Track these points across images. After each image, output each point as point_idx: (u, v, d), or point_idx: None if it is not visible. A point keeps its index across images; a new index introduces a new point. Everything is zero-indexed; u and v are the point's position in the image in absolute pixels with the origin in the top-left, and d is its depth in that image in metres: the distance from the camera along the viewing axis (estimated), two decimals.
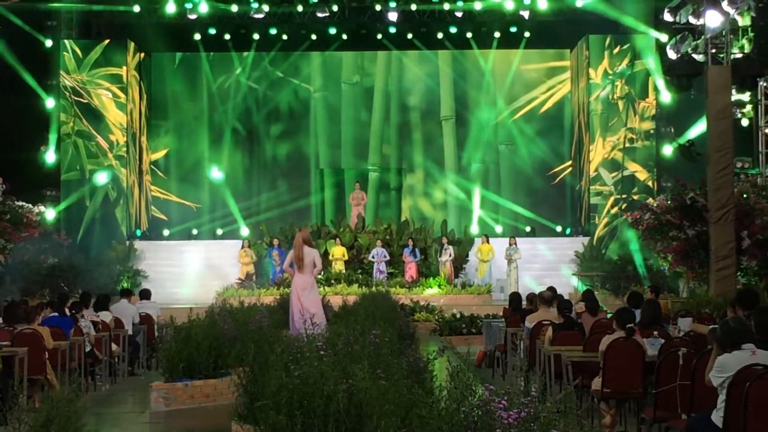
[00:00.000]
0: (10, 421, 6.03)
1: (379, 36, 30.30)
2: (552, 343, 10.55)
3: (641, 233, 22.63)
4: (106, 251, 26.94)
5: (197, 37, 30.04)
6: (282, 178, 30.94)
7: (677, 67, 20.76)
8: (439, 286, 25.02)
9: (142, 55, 29.95)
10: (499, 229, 29.31)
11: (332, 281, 24.90)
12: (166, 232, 29.68)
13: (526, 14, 28.20)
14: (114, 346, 14.01)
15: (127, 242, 27.65)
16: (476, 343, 17.01)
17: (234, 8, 28.02)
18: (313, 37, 30.26)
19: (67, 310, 13.11)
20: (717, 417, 6.70)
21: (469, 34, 30.16)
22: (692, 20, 19.77)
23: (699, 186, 20.14)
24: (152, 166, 30.70)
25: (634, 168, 27.83)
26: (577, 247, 27.38)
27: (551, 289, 12.99)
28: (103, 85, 28.15)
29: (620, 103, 27.95)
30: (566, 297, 15.42)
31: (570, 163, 30.39)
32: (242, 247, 26.75)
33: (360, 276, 25.50)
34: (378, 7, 28.49)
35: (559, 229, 29.49)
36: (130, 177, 28.45)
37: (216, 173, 30.45)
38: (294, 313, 14.11)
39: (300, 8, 28.42)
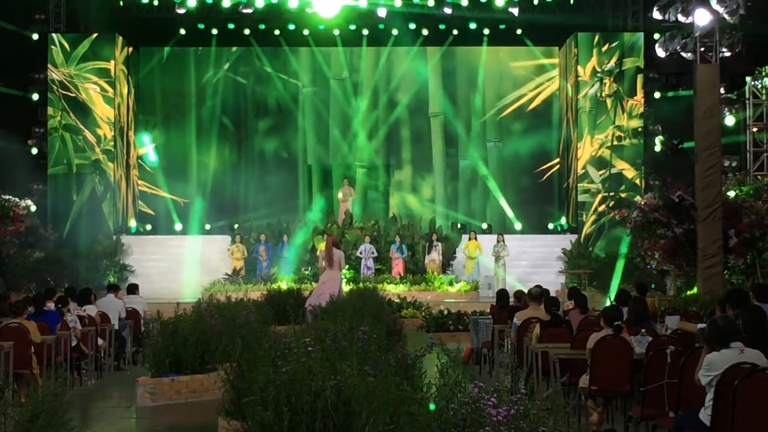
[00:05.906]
0: None
1: (368, 32, 30.24)
2: (540, 340, 10.54)
3: (629, 231, 22.64)
4: (93, 246, 26.81)
5: (185, 31, 29.94)
6: (270, 173, 30.83)
7: (666, 65, 20.75)
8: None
9: (130, 49, 29.84)
10: (486, 226, 29.26)
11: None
12: (149, 227, 29.59)
13: (515, 11, 28.15)
14: (100, 341, 13.95)
15: (114, 237, 27.53)
16: (463, 339, 16.98)
17: (224, 2, 27.91)
18: (303, 32, 30.18)
19: (52, 305, 13.05)
20: (705, 415, 6.71)
21: (457, 31, 30.12)
22: (681, 18, 19.79)
23: (687, 184, 20.16)
24: (139, 161, 30.60)
25: (621, 166, 27.83)
26: (564, 245, 27.39)
27: (539, 286, 12.94)
28: (91, 79, 28.00)
29: (608, 101, 27.95)
30: (554, 294, 15.45)
31: (558, 160, 30.40)
32: (233, 242, 26.66)
33: (347, 272, 25.41)
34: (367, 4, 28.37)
35: (551, 226, 29.45)
36: (118, 171, 28.33)
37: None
38: (316, 293, 16.89)
39: (289, 4, 28.27)
